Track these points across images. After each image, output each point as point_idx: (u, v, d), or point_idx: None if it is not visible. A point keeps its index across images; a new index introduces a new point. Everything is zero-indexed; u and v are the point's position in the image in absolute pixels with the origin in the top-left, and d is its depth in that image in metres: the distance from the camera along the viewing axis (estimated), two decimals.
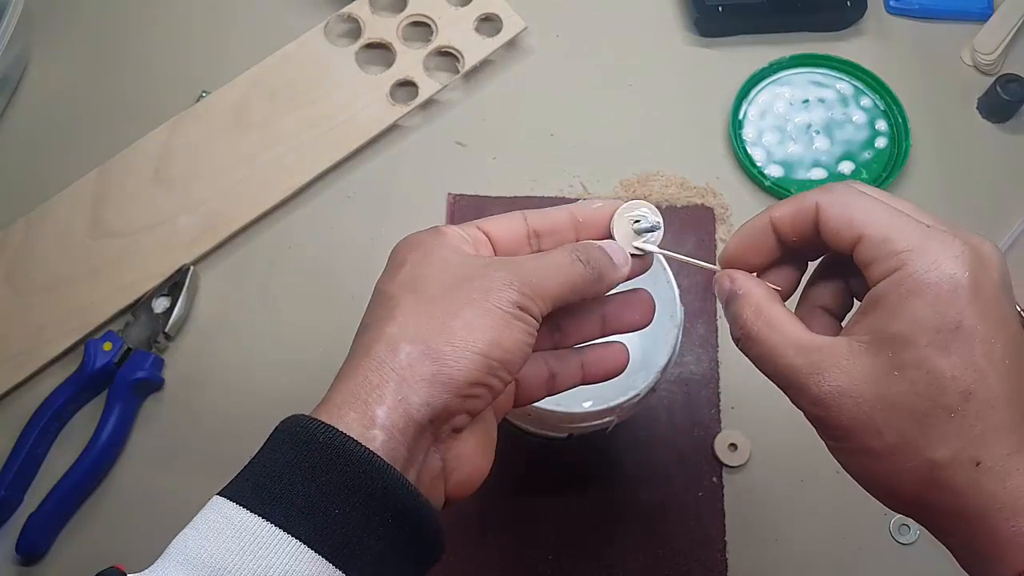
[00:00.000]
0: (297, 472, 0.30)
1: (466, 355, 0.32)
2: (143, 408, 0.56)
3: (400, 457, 0.31)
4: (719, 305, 0.59)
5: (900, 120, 0.64)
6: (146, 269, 0.58)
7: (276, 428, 0.32)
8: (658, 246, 0.39)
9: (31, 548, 0.51)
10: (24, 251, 0.59)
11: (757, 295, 0.35)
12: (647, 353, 0.51)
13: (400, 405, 0.31)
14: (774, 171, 0.63)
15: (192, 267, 0.58)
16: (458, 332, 0.32)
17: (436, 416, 0.32)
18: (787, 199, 0.35)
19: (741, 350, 0.35)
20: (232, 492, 0.30)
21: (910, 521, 0.53)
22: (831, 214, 0.33)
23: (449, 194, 0.62)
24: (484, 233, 0.38)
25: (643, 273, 0.39)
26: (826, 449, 0.56)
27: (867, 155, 0.64)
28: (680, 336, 0.47)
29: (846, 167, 0.63)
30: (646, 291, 0.41)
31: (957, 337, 0.29)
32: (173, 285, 0.58)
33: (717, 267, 0.37)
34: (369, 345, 0.33)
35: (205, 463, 0.54)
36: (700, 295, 0.59)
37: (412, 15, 0.66)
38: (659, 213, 0.39)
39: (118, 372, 0.55)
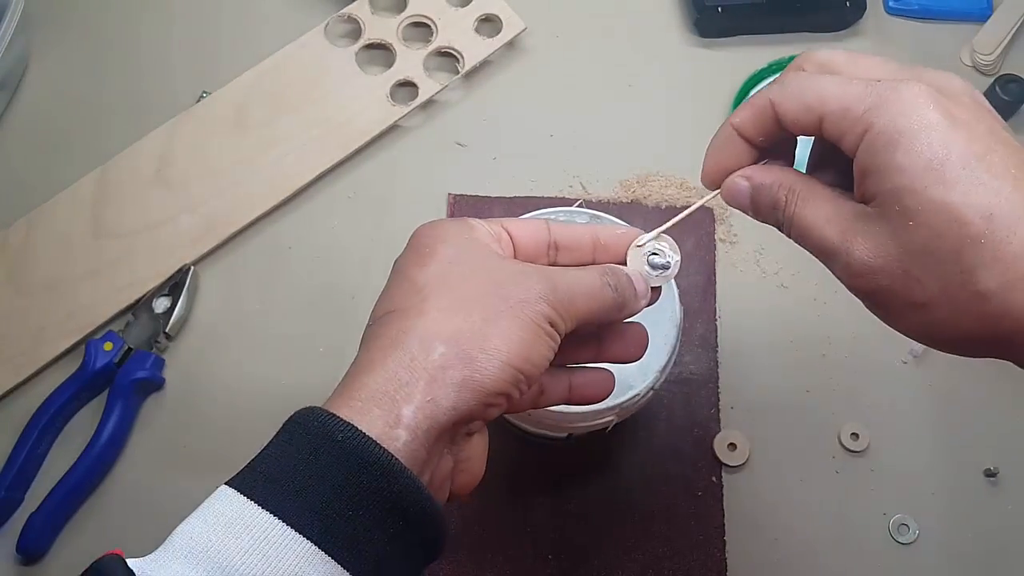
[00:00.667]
0: (313, 470, 0.29)
1: (497, 364, 0.32)
2: (144, 408, 0.56)
3: (419, 459, 0.31)
4: (719, 305, 0.59)
5: None
6: (147, 269, 0.59)
7: (291, 419, 0.32)
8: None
9: (32, 548, 0.51)
10: (25, 251, 0.59)
11: (782, 176, 0.34)
12: (646, 353, 0.51)
13: (428, 406, 0.31)
14: None
15: (192, 267, 0.59)
16: (492, 339, 0.32)
17: (459, 420, 0.32)
18: (743, 103, 0.34)
19: (785, 234, 0.35)
20: (242, 484, 0.30)
21: (909, 520, 0.53)
22: (787, 108, 0.32)
23: (449, 194, 0.62)
24: (507, 231, 0.38)
25: (651, 305, 0.39)
26: (826, 449, 0.56)
27: None
28: (679, 336, 0.47)
29: None
30: (642, 326, 0.41)
31: (952, 167, 0.29)
32: (174, 285, 0.58)
33: (713, 194, 0.37)
34: (398, 339, 0.32)
35: (206, 463, 0.54)
36: (699, 295, 0.59)
37: (412, 16, 0.66)
38: (678, 250, 0.39)
39: (119, 372, 0.55)
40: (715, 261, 0.60)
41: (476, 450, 0.35)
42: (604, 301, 0.36)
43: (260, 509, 0.29)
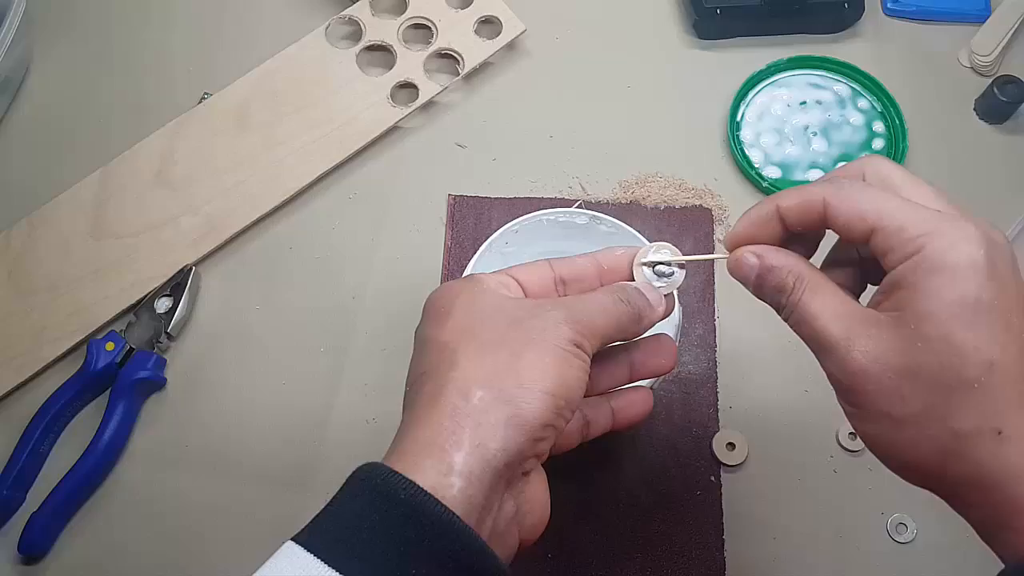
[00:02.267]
0: (378, 529, 0.30)
1: (536, 395, 0.32)
2: (145, 408, 0.56)
3: (477, 505, 0.31)
4: (717, 305, 0.59)
5: (897, 122, 0.65)
6: (148, 270, 0.59)
7: (354, 475, 0.32)
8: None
9: (33, 548, 0.51)
10: (27, 252, 0.59)
11: (794, 263, 0.35)
12: None
13: (477, 451, 0.31)
14: (772, 172, 0.64)
15: (194, 268, 0.59)
16: (525, 373, 0.33)
17: (512, 460, 0.32)
18: (792, 190, 0.35)
19: (783, 318, 0.36)
20: (308, 542, 0.30)
21: (907, 520, 0.53)
22: (840, 210, 0.33)
23: (449, 195, 0.63)
24: (514, 279, 0.38)
25: (669, 316, 0.40)
26: (824, 448, 0.56)
27: None
28: (678, 336, 0.47)
29: None
30: (669, 336, 0.42)
31: (978, 311, 0.30)
32: (175, 285, 0.58)
33: (726, 253, 0.38)
34: (436, 393, 0.33)
35: (207, 463, 0.55)
36: (698, 295, 0.59)
37: (413, 17, 0.67)
38: (679, 253, 0.40)
39: (120, 372, 0.55)
40: (714, 262, 0.60)
41: (537, 491, 0.35)
42: (620, 315, 0.37)
43: (327, 567, 0.29)
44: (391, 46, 0.66)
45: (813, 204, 0.34)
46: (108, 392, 0.55)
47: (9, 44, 0.62)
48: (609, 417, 0.41)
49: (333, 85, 0.65)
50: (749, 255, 0.36)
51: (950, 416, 0.30)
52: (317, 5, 0.69)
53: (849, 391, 0.33)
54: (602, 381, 0.41)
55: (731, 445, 0.55)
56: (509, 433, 0.32)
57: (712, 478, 0.54)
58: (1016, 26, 0.68)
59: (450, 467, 0.31)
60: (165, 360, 0.57)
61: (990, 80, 0.65)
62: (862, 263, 0.37)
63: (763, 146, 0.65)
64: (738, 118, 0.65)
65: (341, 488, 0.32)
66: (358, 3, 0.67)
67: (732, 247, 0.37)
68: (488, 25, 0.67)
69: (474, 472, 0.31)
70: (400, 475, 0.30)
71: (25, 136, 0.65)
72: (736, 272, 0.37)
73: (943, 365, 0.30)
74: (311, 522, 0.31)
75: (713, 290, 0.59)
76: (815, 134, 0.65)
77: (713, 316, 0.59)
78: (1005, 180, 0.64)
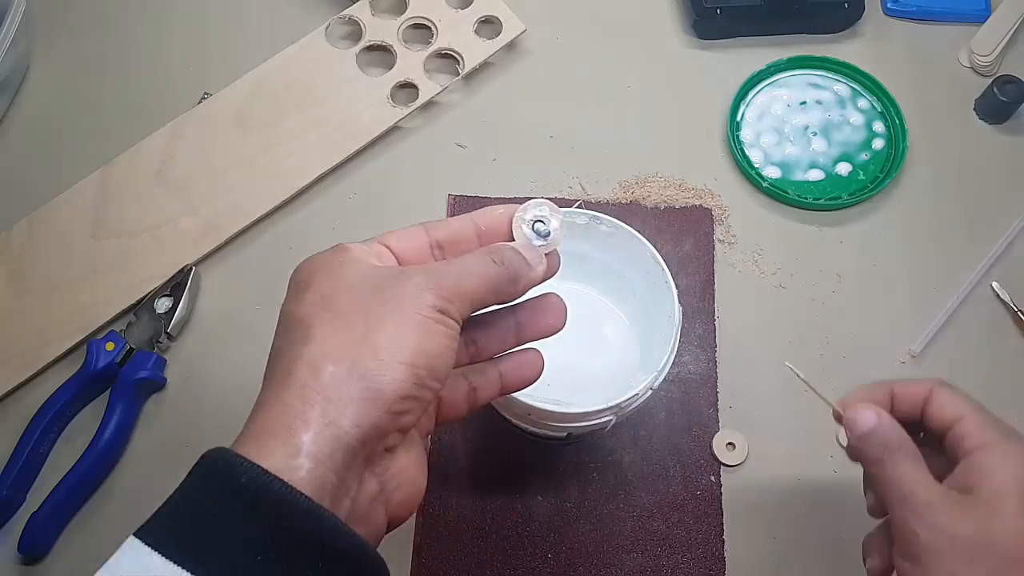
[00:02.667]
0: (219, 517, 0.28)
1: (393, 367, 0.31)
2: (145, 408, 0.56)
3: (329, 485, 0.29)
4: (717, 305, 0.59)
5: (897, 122, 0.65)
6: (148, 269, 0.59)
7: (200, 461, 0.30)
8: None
9: (33, 548, 0.51)
10: (27, 252, 0.59)
11: (899, 440, 0.38)
12: (646, 353, 0.52)
13: (328, 429, 0.29)
14: (772, 172, 0.64)
15: (194, 267, 0.59)
16: (382, 344, 0.31)
17: (367, 437, 0.30)
18: (910, 385, 0.40)
19: (866, 468, 0.40)
20: (148, 534, 0.28)
21: None
22: (939, 402, 0.39)
23: (449, 195, 0.63)
24: (386, 247, 0.36)
25: (554, 275, 0.39)
26: (824, 448, 0.56)
27: (864, 156, 0.64)
28: (678, 336, 0.47)
29: (843, 168, 0.64)
30: (556, 295, 0.40)
31: None
32: (175, 285, 0.58)
33: (834, 404, 0.41)
34: (288, 370, 0.31)
35: None
36: (698, 295, 0.59)
37: (413, 17, 0.67)
38: (558, 210, 0.38)
39: (120, 372, 0.55)
40: (714, 261, 0.60)
41: (406, 466, 0.33)
42: (493, 276, 0.35)
43: (168, 562, 0.27)
44: (391, 46, 0.66)
45: (919, 393, 0.40)
46: (108, 392, 0.55)
47: (9, 44, 0.62)
48: (497, 382, 0.39)
49: (333, 85, 0.65)
50: (870, 412, 0.39)
51: None
52: (317, 5, 0.69)
53: (915, 544, 0.36)
54: (487, 347, 0.39)
55: (731, 445, 0.55)
56: (363, 409, 0.30)
57: (712, 478, 0.54)
58: (1016, 26, 0.68)
59: (297, 448, 0.29)
60: (165, 360, 0.57)
61: (990, 80, 0.65)
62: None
63: (763, 146, 0.65)
64: (738, 118, 0.65)
65: (187, 475, 0.30)
66: (358, 3, 0.67)
67: (858, 400, 0.40)
68: (488, 25, 0.67)
69: (323, 451, 0.29)
70: (243, 459, 0.29)
71: (25, 136, 0.65)
72: (854, 425, 0.40)
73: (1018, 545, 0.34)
74: (155, 513, 0.29)
75: (713, 290, 0.59)
76: (815, 134, 0.65)
77: (713, 316, 0.59)
78: (1005, 180, 0.64)
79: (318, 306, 0.33)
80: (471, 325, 0.38)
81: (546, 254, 0.38)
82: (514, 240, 0.38)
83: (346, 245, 0.35)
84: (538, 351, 0.40)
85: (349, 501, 0.31)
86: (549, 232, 0.38)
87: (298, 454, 0.29)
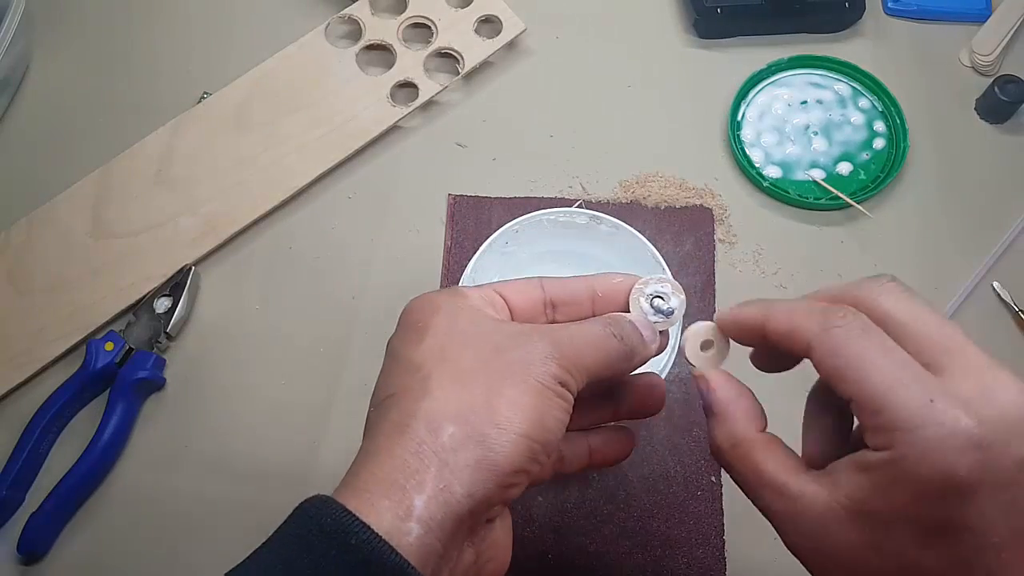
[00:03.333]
0: (324, 575, 0.27)
1: (511, 438, 0.29)
2: (144, 408, 0.56)
3: (434, 553, 0.28)
4: (718, 304, 0.59)
5: (898, 121, 0.65)
6: (147, 269, 0.59)
7: (300, 508, 0.29)
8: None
9: (32, 548, 0.51)
10: (26, 251, 0.59)
11: (734, 420, 0.33)
12: None
13: (441, 494, 0.28)
14: (772, 172, 0.64)
15: (193, 267, 0.59)
16: (502, 412, 0.30)
17: (477, 507, 0.29)
18: (785, 308, 0.32)
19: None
20: None
21: None
22: (825, 364, 0.30)
23: (449, 195, 0.63)
24: (501, 297, 0.35)
25: (662, 352, 0.37)
26: None
27: (865, 156, 0.64)
28: (679, 336, 0.47)
29: (844, 168, 0.64)
30: (657, 376, 0.39)
31: (943, 535, 0.27)
32: (175, 285, 0.58)
33: (695, 366, 0.36)
34: (403, 422, 0.30)
35: (207, 463, 0.55)
36: (698, 295, 0.59)
37: (412, 17, 0.67)
38: (680, 289, 0.37)
39: (120, 372, 0.55)
40: (714, 261, 0.60)
41: (499, 537, 0.32)
42: (611, 351, 0.34)
43: None
44: (391, 45, 0.66)
45: (799, 341, 0.30)
46: (107, 392, 0.55)
47: (9, 44, 0.62)
48: (585, 455, 0.38)
49: (333, 84, 0.65)
50: (700, 381, 0.35)
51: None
52: (316, 4, 0.69)
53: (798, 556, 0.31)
54: (581, 418, 0.37)
55: None
56: (478, 477, 0.29)
57: (713, 478, 0.54)
58: (1017, 26, 0.68)
59: (409, 511, 0.28)
60: (164, 360, 0.57)
61: (991, 80, 0.65)
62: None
63: (764, 145, 0.65)
64: (739, 117, 0.65)
65: (286, 521, 0.29)
66: (358, 2, 0.67)
67: (721, 325, 0.36)
68: (488, 24, 0.67)
69: (435, 518, 0.28)
70: (353, 516, 0.28)
71: (25, 136, 0.65)
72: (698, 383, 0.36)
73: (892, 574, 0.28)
74: (250, 557, 0.28)
75: (714, 290, 0.59)
76: (816, 133, 0.65)
77: (712, 316, 0.58)
78: (1006, 179, 0.64)
79: (436, 356, 0.31)
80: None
81: (661, 332, 0.37)
82: (629, 311, 0.36)
83: (463, 290, 0.34)
84: (630, 431, 0.39)
85: (447, 572, 0.30)
86: (672, 311, 0.37)
87: (409, 517, 0.28)
